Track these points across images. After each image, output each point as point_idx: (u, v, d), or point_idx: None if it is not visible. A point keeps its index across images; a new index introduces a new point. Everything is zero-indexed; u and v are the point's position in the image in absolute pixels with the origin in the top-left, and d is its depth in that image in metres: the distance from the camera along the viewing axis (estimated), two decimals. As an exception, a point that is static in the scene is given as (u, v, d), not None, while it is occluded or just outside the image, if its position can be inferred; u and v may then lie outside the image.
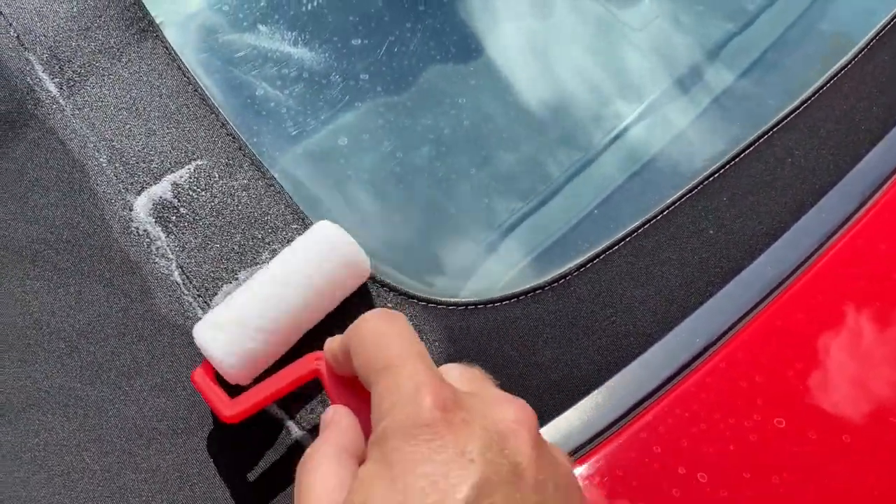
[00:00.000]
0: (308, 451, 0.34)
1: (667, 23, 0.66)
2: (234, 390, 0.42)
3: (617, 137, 0.61)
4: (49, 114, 0.48)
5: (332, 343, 0.38)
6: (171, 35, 0.51)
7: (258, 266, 0.47)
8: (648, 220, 0.53)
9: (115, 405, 0.44)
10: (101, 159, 0.48)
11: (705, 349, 0.48)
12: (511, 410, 0.31)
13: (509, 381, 0.47)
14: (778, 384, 0.47)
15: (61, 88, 0.48)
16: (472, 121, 0.58)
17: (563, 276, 0.50)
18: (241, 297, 0.43)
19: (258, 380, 0.43)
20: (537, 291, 0.49)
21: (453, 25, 0.60)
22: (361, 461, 0.32)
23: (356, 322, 0.35)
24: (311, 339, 0.44)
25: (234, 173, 0.48)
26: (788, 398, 0.46)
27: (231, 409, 0.41)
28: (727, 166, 0.55)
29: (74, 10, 0.50)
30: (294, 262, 0.44)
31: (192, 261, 0.47)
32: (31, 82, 0.48)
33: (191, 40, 0.54)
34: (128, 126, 0.48)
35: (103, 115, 0.48)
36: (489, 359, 0.47)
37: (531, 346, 0.48)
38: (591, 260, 0.51)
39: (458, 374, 0.34)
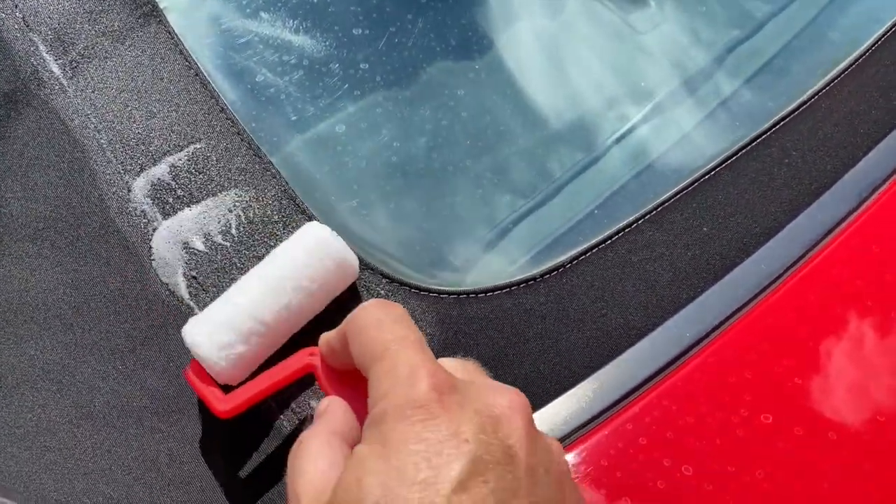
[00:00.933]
0: (300, 436, 0.34)
1: (672, 27, 0.67)
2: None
3: (621, 139, 0.61)
4: (52, 94, 0.49)
5: (329, 335, 0.38)
6: (174, 20, 0.51)
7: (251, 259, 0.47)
8: (643, 216, 0.53)
9: (108, 383, 0.45)
10: (102, 140, 0.48)
11: (694, 344, 0.48)
12: (506, 397, 0.32)
13: (499, 370, 0.47)
14: (766, 380, 0.47)
15: (64, 70, 0.49)
16: (472, 115, 0.58)
17: (557, 269, 0.50)
18: (231, 300, 0.43)
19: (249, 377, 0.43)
20: (530, 283, 0.50)
21: (456, 18, 0.61)
22: (354, 447, 0.32)
23: (354, 311, 0.35)
24: (300, 339, 0.45)
25: (231, 157, 0.49)
26: (776, 394, 0.47)
27: (225, 405, 0.42)
28: (723, 165, 0.55)
29: (80, -8, 0.50)
30: (283, 265, 0.44)
31: (188, 243, 0.47)
32: (35, 63, 0.49)
33: (193, 26, 0.55)
34: (129, 108, 0.49)
35: (105, 97, 0.49)
36: (480, 347, 0.47)
37: (522, 336, 0.48)
38: (584, 253, 0.51)
39: (453, 364, 0.35)
